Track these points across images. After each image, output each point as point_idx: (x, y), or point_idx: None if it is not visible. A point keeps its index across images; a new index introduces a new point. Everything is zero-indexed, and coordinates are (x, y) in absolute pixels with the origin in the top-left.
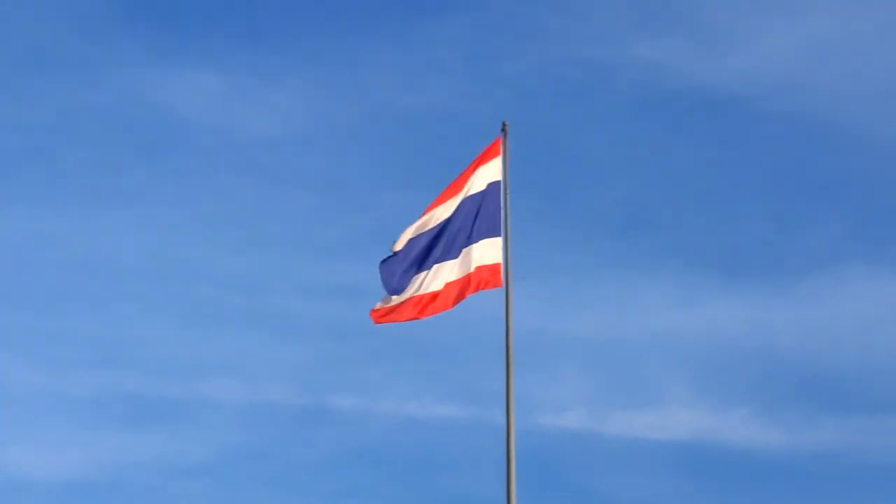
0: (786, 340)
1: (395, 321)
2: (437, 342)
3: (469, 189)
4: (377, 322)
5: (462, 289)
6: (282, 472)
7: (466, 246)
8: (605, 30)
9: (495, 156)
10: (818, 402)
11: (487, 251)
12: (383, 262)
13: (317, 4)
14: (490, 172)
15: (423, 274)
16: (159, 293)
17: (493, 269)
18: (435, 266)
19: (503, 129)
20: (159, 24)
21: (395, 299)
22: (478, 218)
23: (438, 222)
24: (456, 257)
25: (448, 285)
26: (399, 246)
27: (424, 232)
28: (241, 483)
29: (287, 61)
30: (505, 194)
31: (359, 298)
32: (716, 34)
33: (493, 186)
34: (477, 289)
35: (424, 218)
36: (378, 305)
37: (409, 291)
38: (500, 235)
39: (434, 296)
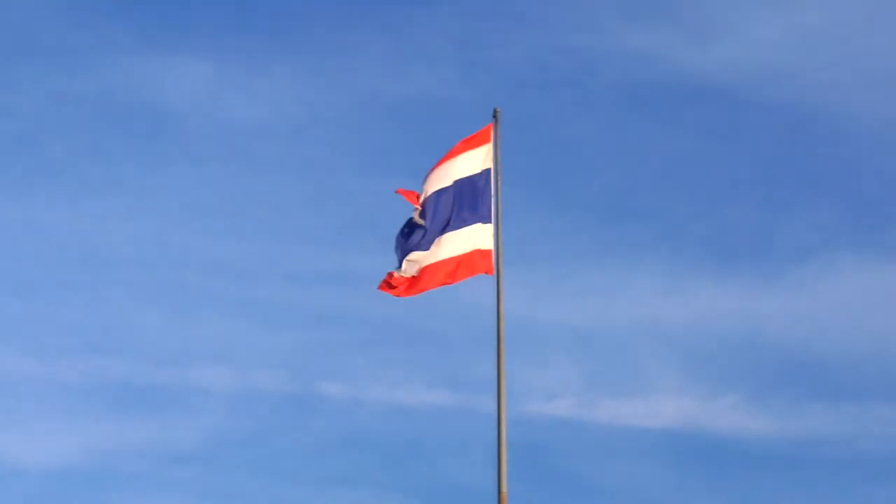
0: (774, 328)
1: (413, 293)
2: (426, 329)
3: (461, 170)
4: (401, 294)
5: (453, 270)
6: (271, 458)
7: (458, 227)
8: (594, 18)
9: (486, 142)
10: (806, 389)
11: (479, 236)
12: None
13: None
14: (480, 159)
15: (423, 250)
16: (149, 281)
17: (484, 255)
18: (436, 240)
19: (494, 116)
20: (149, 13)
21: (406, 270)
22: (469, 203)
23: (434, 191)
24: (448, 233)
25: (443, 262)
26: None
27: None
28: (230, 469)
29: (276, 50)
30: (496, 181)
31: (347, 286)
32: (704, 23)
33: (484, 174)
34: (468, 274)
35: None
36: (396, 275)
37: (416, 264)
38: (490, 222)
39: (432, 268)
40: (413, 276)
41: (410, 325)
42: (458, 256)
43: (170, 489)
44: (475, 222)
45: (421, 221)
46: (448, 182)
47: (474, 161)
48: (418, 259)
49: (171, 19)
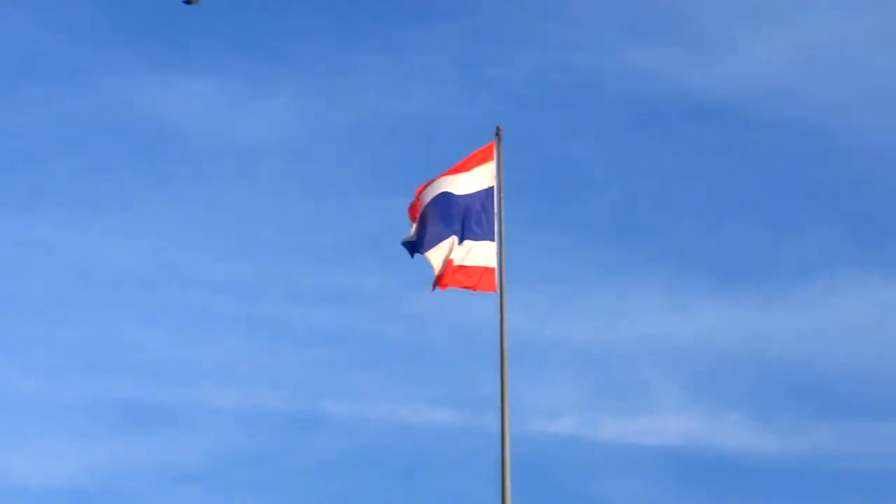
0: (778, 346)
1: (453, 286)
2: (430, 347)
3: (466, 187)
4: (443, 287)
5: (460, 278)
6: (275, 477)
7: (468, 239)
8: (596, 36)
9: (488, 160)
10: (811, 407)
11: (484, 253)
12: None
13: (309, 12)
14: (482, 178)
15: (451, 242)
16: (153, 299)
17: (488, 272)
18: (465, 242)
19: (497, 134)
20: (152, 32)
21: (435, 258)
22: (474, 219)
23: (458, 194)
24: (466, 241)
25: (467, 268)
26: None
27: (449, 198)
28: (235, 489)
29: (279, 68)
30: (499, 199)
31: (351, 304)
32: (706, 41)
33: (487, 192)
34: (472, 288)
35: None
36: (438, 267)
37: (443, 254)
38: (494, 240)
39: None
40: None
41: (414, 343)
42: (466, 267)
43: None
44: (480, 239)
45: (413, 235)
46: (456, 191)
47: (477, 179)
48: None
49: (174, 38)
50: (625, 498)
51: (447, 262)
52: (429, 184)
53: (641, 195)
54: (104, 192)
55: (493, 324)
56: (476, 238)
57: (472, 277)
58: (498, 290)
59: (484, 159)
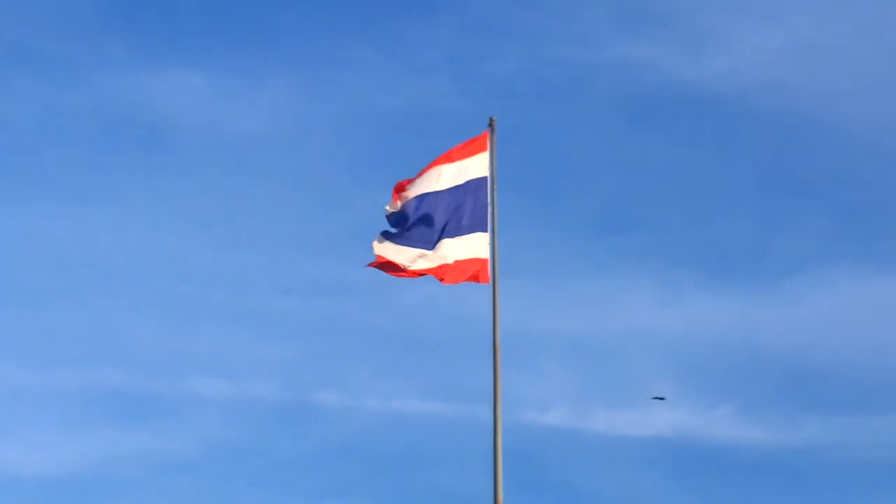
0: (768, 339)
1: (383, 269)
2: (422, 339)
3: (458, 177)
4: (374, 265)
5: (445, 275)
6: (266, 467)
7: (453, 236)
8: (588, 30)
9: (481, 150)
10: (801, 399)
11: (473, 246)
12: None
13: (301, 5)
14: (476, 167)
15: (419, 248)
16: (144, 290)
17: (480, 264)
18: (429, 243)
19: (490, 125)
20: (144, 25)
21: (392, 255)
22: (465, 211)
23: (433, 190)
24: (443, 240)
25: (438, 267)
26: (397, 206)
27: (425, 195)
28: (225, 478)
29: (271, 61)
30: (492, 190)
31: (342, 296)
32: (698, 34)
33: (480, 182)
34: (463, 280)
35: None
36: (379, 252)
37: (405, 255)
38: (486, 231)
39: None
40: (417, 270)
41: (406, 334)
42: (462, 261)
43: (166, 497)
44: (475, 231)
45: (394, 208)
46: (445, 186)
47: (471, 169)
48: (425, 255)
49: (167, 32)
50: (615, 488)
51: (392, 259)
52: (417, 177)
53: (633, 188)
54: (96, 183)
55: (485, 315)
56: (469, 231)
57: (467, 270)
58: (490, 281)
59: (475, 150)
